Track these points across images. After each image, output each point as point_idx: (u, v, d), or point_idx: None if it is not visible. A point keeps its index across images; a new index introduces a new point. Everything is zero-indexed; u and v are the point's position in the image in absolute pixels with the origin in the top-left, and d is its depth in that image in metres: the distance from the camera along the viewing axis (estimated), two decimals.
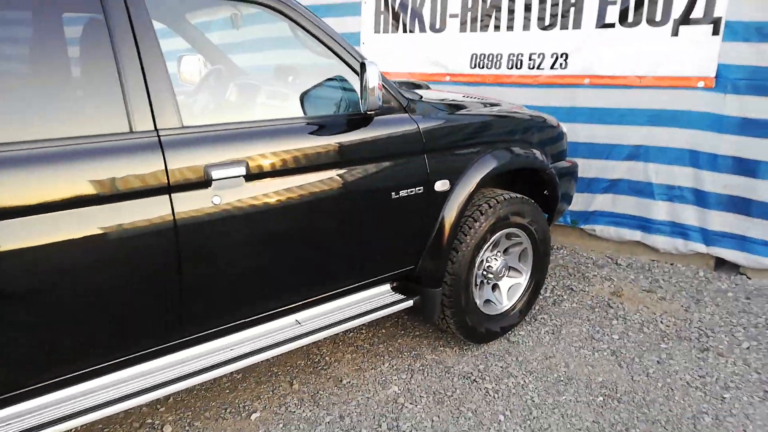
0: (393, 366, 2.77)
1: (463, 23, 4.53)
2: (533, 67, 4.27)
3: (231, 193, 1.92)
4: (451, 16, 4.59)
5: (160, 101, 1.79)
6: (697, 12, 3.60)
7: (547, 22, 4.15)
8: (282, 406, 2.49)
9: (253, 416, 2.42)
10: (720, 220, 3.67)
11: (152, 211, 1.76)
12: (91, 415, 1.79)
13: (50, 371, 1.73)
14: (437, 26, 4.66)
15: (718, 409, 2.46)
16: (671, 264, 3.89)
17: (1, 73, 1.75)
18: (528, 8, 4.21)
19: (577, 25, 4.06)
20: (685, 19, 3.65)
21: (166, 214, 1.78)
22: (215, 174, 1.87)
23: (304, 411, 2.45)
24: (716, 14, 3.53)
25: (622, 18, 3.86)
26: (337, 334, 2.99)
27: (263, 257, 2.09)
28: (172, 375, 1.97)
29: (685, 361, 2.80)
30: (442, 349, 2.92)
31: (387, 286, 2.68)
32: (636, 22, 3.83)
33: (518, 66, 4.34)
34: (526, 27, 4.25)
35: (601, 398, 2.53)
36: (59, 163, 1.61)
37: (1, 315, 1.59)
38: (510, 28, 4.32)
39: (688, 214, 3.78)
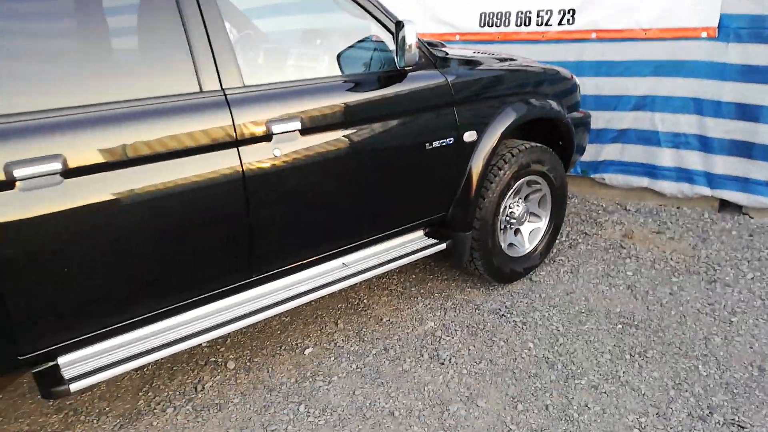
0: (427, 305, 3.01)
1: None
2: (541, 24, 4.41)
3: (289, 146, 2.11)
4: None
5: (223, 63, 1.97)
6: None
7: None
8: (331, 342, 2.73)
9: (306, 351, 2.67)
10: (723, 164, 3.88)
11: (224, 161, 1.96)
12: (177, 346, 2.03)
13: (141, 306, 1.96)
14: None
15: (727, 331, 2.71)
16: (677, 207, 4.12)
17: (95, 45, 1.92)
18: None
19: None
20: None
21: (235, 164, 1.98)
22: (275, 128, 2.06)
23: (351, 345, 2.70)
24: None
25: None
26: (372, 279, 3.24)
27: (316, 204, 2.29)
28: (240, 312, 2.20)
29: (695, 291, 3.05)
30: (469, 290, 3.16)
31: (420, 233, 2.90)
32: None
33: (527, 23, 4.48)
34: None
35: (620, 326, 2.78)
36: (145, 119, 1.80)
37: (93, 252, 1.79)
38: None
39: (693, 160, 3.99)
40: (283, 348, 2.71)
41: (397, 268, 3.35)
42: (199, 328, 2.08)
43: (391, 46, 2.44)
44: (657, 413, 2.22)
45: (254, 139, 2.02)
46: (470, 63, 2.91)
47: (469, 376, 2.46)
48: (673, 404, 2.26)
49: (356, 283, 2.67)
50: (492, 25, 4.62)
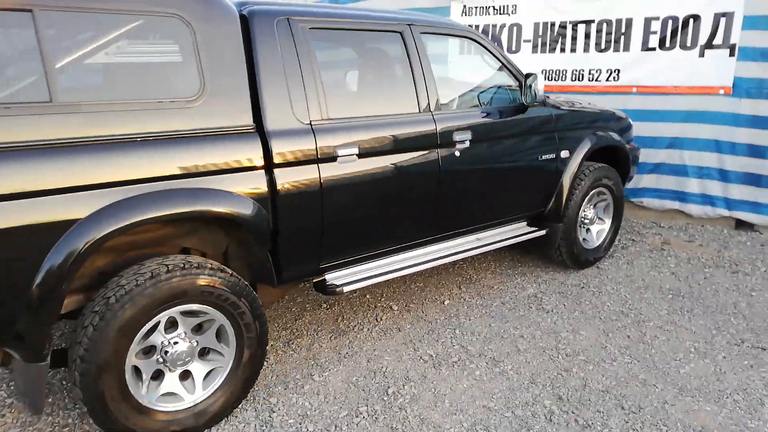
0: (524, 280, 4.05)
1: (534, 46, 5.89)
2: (592, 80, 5.62)
3: (463, 151, 3.21)
4: (525, 41, 5.95)
5: (431, 95, 3.10)
6: (718, 40, 4.96)
7: (602, 47, 5.51)
8: (460, 298, 3.76)
9: (445, 302, 3.70)
10: (739, 191, 4.99)
11: (430, 157, 3.06)
12: (397, 273, 3.10)
13: (377, 245, 3.02)
14: (513, 48, 6.01)
15: (749, 300, 3.75)
16: (702, 225, 5.21)
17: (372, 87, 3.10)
18: (588, 36, 5.57)
19: (626, 48, 5.41)
20: (709, 45, 5.00)
21: (435, 158, 3.08)
22: (457, 138, 3.17)
23: (476, 300, 3.73)
24: (732, 41, 4.89)
25: (661, 44, 5.22)
26: (475, 263, 4.30)
27: (471, 192, 3.37)
28: (425, 258, 3.26)
29: (722, 277, 4.10)
30: (552, 272, 4.20)
31: (524, 222, 3.97)
32: (672, 47, 5.18)
33: (580, 79, 5.69)
34: (586, 50, 5.61)
35: (671, 296, 3.82)
36: (388, 127, 2.91)
37: (361, 207, 2.86)
38: (573, 50, 5.68)
39: (715, 188, 5.11)
40: (427, 300, 3.74)
41: (492, 257, 4.43)
42: (405, 265, 3.14)
43: (517, 87, 3.60)
44: (705, 341, 3.23)
45: (446, 144, 3.12)
46: (559, 103, 4.06)
47: (569, 319, 3.49)
48: (716, 338, 3.28)
49: (475, 256, 3.70)
50: (551, 79, 5.82)
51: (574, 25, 5.62)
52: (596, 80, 5.60)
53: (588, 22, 5.56)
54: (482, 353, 3.10)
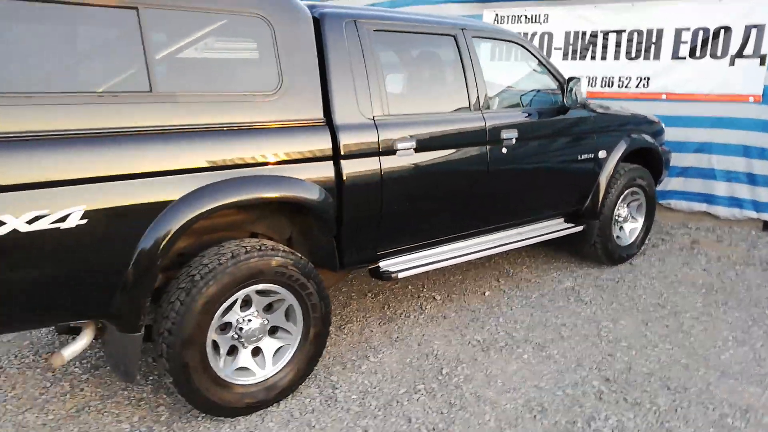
0: (560, 274, 4.20)
1: (565, 54, 6.05)
2: (622, 86, 5.77)
3: (510, 148, 3.38)
4: (556, 48, 6.12)
5: (482, 96, 3.28)
6: (749, 50, 5.10)
7: (633, 55, 5.66)
8: (500, 290, 3.92)
9: (486, 294, 3.85)
10: (767, 194, 5.10)
11: (479, 152, 3.24)
12: (445, 262, 3.27)
13: (428, 235, 3.20)
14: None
15: None
16: (729, 227, 5.32)
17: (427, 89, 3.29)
18: (618, 44, 5.73)
19: (656, 57, 5.56)
20: (740, 54, 5.14)
21: (484, 154, 3.25)
22: (504, 135, 3.34)
23: (515, 292, 3.88)
24: (763, 51, 5.03)
25: (692, 53, 5.36)
26: (510, 258, 4.45)
27: (517, 187, 3.53)
28: (473, 249, 3.42)
29: (754, 274, 4.22)
30: (586, 268, 4.34)
31: (561, 219, 4.13)
32: (702, 56, 5.33)
33: (610, 85, 5.84)
34: (616, 57, 5.77)
35: (704, 290, 3.94)
36: (442, 124, 3.10)
37: (414, 201, 3.04)
38: (604, 58, 5.84)
39: (743, 191, 5.23)
40: (467, 291, 3.90)
41: (526, 252, 4.58)
42: (453, 255, 3.31)
43: (559, 90, 3.77)
44: (742, 331, 3.35)
45: (494, 141, 3.30)
46: (596, 106, 4.22)
47: (608, 310, 3.63)
48: (752, 328, 3.40)
49: (509, 252, 3.86)
50: None
51: (605, 34, 5.78)
52: (626, 87, 5.75)
53: (619, 32, 5.72)
54: (527, 339, 3.25)
